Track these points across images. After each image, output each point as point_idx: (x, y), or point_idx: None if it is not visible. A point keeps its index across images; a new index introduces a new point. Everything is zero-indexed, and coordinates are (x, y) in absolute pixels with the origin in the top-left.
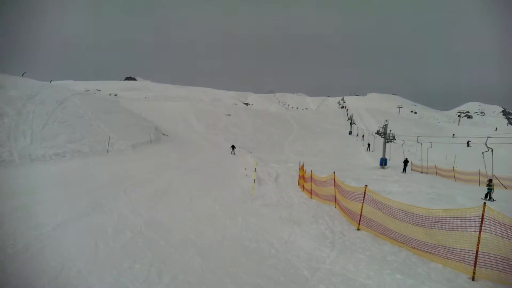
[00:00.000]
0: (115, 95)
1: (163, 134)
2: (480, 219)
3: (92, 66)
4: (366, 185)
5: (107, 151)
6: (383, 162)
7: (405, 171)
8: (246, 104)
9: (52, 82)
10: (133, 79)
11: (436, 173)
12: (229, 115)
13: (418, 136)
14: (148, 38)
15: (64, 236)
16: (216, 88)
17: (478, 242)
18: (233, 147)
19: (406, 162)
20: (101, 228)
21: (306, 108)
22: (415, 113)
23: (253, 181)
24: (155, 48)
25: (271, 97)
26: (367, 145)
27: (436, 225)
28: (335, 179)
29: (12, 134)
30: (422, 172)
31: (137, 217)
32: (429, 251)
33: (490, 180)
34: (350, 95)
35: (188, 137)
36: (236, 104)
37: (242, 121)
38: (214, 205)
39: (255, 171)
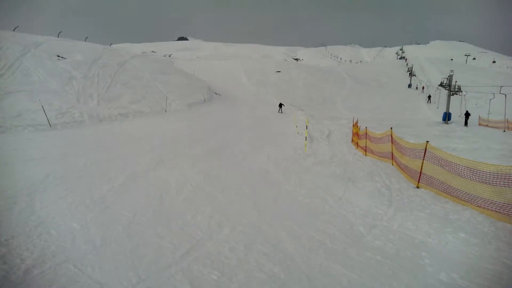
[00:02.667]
0: (170, 56)
1: (216, 93)
2: None
3: (148, 28)
4: (427, 141)
5: (165, 111)
6: (447, 117)
7: (467, 124)
8: (297, 59)
9: (112, 45)
10: (185, 39)
11: (508, 128)
12: (279, 71)
13: (487, 87)
14: None
15: (133, 189)
16: (266, 44)
17: None
18: (280, 105)
19: (467, 114)
20: (164, 182)
21: (361, 61)
22: (494, 62)
23: (304, 138)
24: (206, 5)
25: (322, 51)
26: (427, 98)
27: (507, 183)
28: (392, 135)
29: (81, 96)
30: (488, 126)
31: (196, 172)
32: (497, 210)
33: None
34: (410, 44)
35: (239, 96)
36: (286, 60)
37: (292, 78)
38: (267, 162)
39: (306, 128)
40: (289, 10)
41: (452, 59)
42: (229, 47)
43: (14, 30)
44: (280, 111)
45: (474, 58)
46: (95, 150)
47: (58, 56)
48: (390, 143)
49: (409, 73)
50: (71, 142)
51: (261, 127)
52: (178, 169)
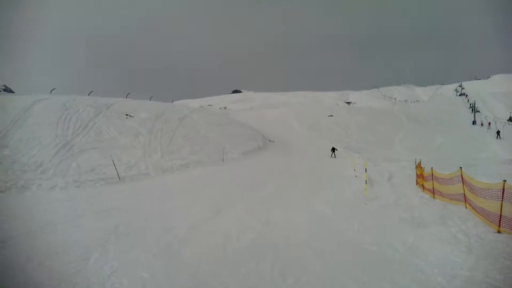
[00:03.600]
0: (225, 108)
1: (269, 140)
2: None
3: (206, 84)
4: (505, 180)
5: (223, 160)
6: None
7: None
8: (348, 103)
9: (173, 102)
10: (239, 91)
11: None
12: (331, 115)
13: None
14: (251, 50)
15: (196, 237)
16: (316, 90)
17: None
18: (333, 149)
19: None
20: (225, 230)
21: (417, 100)
22: None
23: (364, 182)
24: (257, 59)
25: (375, 93)
26: (496, 133)
27: None
28: (463, 175)
29: (146, 150)
30: None
31: (255, 220)
32: None
33: None
34: (469, 80)
35: (292, 141)
36: (337, 104)
37: (345, 121)
38: (326, 208)
39: (365, 171)
40: (337, 56)
41: None
42: (279, 96)
43: (89, 95)
44: (333, 155)
45: None
46: (160, 200)
47: (127, 115)
48: (461, 183)
49: (472, 109)
50: (138, 193)
51: (317, 171)
52: (238, 217)
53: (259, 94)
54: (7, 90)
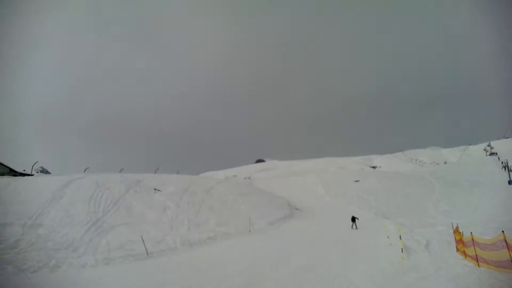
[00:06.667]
0: (249, 177)
1: (296, 209)
2: None
3: (230, 156)
4: None
5: (249, 231)
6: None
7: None
8: (374, 167)
9: (199, 174)
10: (262, 160)
11: None
12: (357, 181)
13: None
14: (269, 119)
15: None
16: (339, 156)
17: None
18: (353, 219)
19: None
20: None
21: (445, 162)
22: None
23: (400, 250)
24: (277, 128)
25: (400, 156)
26: None
27: None
28: (506, 240)
29: (173, 223)
30: None
31: None
32: None
33: None
34: (498, 139)
35: (319, 209)
36: (363, 169)
37: (372, 186)
38: (364, 280)
39: (400, 238)
40: (359, 122)
41: None
42: (303, 163)
43: (120, 171)
44: (354, 226)
45: None
46: (187, 276)
47: (155, 189)
48: (506, 249)
49: (505, 168)
50: (165, 270)
51: (347, 240)
52: None
53: (283, 163)
54: (44, 171)
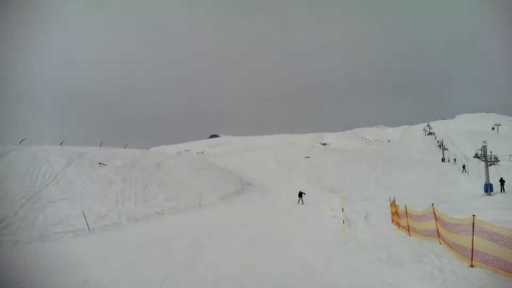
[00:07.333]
0: (202, 153)
1: (248, 184)
2: None
3: (182, 129)
4: (474, 215)
5: (200, 205)
6: (488, 188)
7: (503, 190)
8: (324, 144)
9: (149, 149)
10: (217, 136)
11: None
12: (308, 157)
13: None
14: (231, 94)
15: None
16: (292, 133)
17: None
18: (300, 194)
19: (502, 181)
20: (202, 279)
21: (389, 140)
22: None
23: (342, 222)
24: (236, 102)
25: (349, 134)
26: (462, 167)
27: None
28: (435, 212)
29: (119, 198)
30: None
31: (234, 267)
32: None
33: None
34: (436, 119)
35: (270, 184)
36: (313, 146)
37: (321, 162)
38: (306, 250)
39: (343, 211)
40: (312, 99)
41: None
42: (257, 139)
43: (61, 144)
44: (300, 201)
45: (495, 126)
46: (131, 252)
47: (100, 163)
48: (434, 220)
49: (441, 147)
50: (108, 245)
51: (295, 213)
52: (215, 265)
53: (237, 138)
54: None
